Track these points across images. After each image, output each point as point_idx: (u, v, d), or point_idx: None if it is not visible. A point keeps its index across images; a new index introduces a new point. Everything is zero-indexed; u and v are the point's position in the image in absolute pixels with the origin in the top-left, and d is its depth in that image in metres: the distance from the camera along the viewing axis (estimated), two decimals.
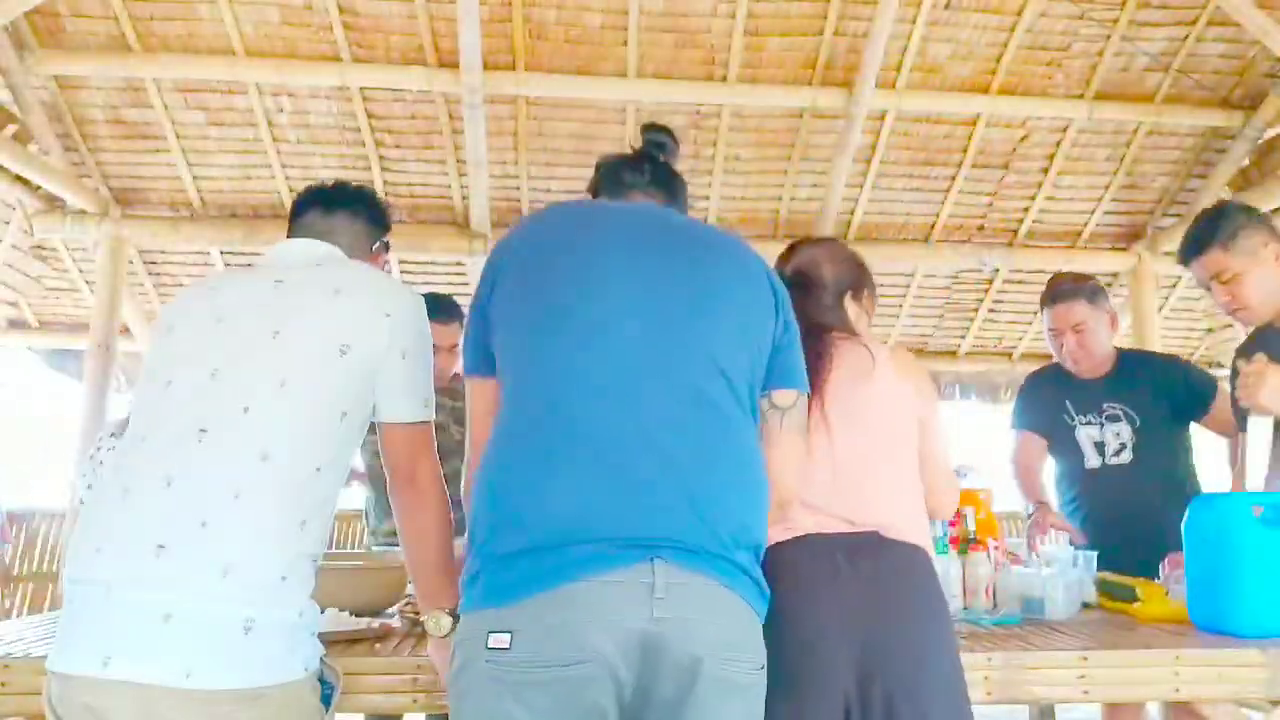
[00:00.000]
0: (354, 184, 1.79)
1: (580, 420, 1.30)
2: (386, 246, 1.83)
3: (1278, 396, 1.94)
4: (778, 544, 1.54)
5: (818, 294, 1.78)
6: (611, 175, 1.65)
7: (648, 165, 1.65)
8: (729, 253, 1.49)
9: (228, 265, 5.90)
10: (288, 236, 1.71)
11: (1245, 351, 2.15)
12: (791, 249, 1.89)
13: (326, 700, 1.43)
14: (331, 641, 1.67)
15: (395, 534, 1.62)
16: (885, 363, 1.70)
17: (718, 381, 1.36)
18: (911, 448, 1.70)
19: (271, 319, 1.48)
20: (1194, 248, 2.27)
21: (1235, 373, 2.07)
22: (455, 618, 1.43)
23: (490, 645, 1.22)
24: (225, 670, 1.29)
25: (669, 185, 1.65)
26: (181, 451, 1.38)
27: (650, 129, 1.70)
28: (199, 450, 1.37)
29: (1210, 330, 6.94)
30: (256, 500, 1.36)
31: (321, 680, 1.43)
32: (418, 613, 1.66)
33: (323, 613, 1.76)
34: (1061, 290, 2.79)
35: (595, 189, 1.67)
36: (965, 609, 2.12)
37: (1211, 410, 2.66)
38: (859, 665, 1.47)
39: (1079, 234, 6.21)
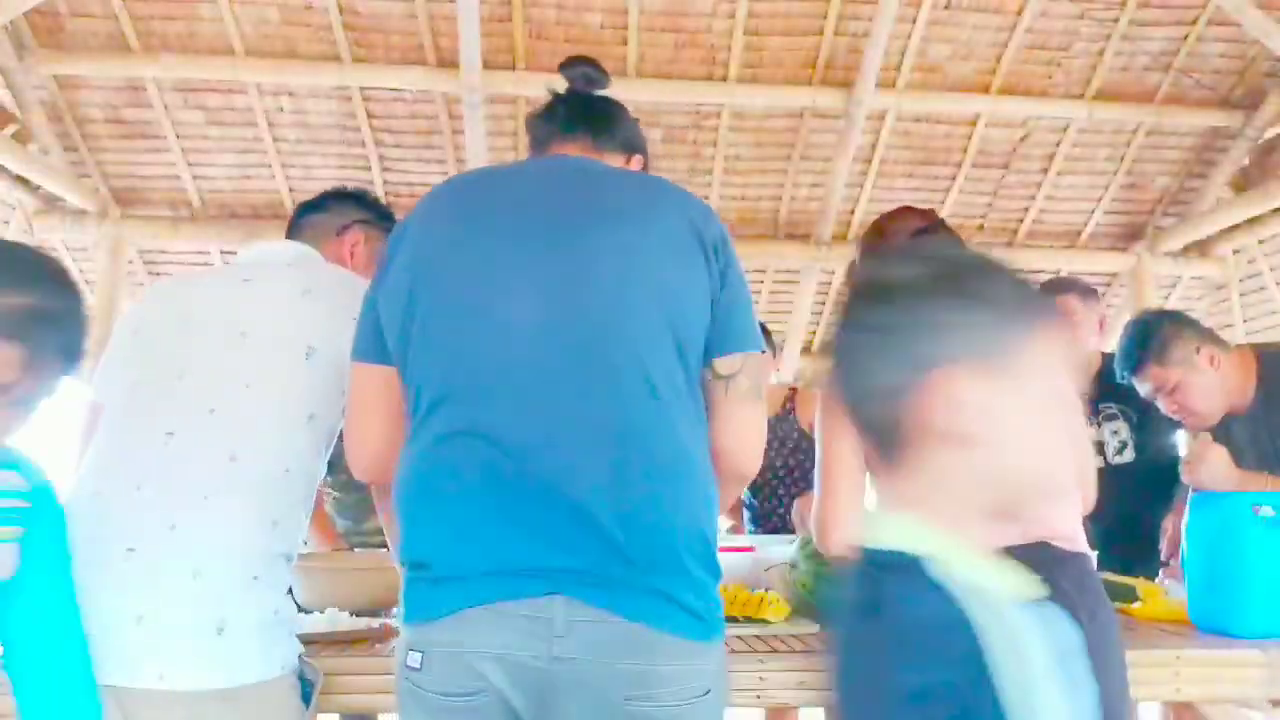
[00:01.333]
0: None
1: (484, 439, 1.19)
2: (366, 225, 1.77)
3: (1216, 476, 2.00)
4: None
5: None
6: (531, 132, 1.50)
7: (561, 108, 1.49)
8: (643, 211, 1.29)
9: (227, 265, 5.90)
10: None
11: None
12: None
13: (306, 698, 1.42)
14: (331, 641, 1.67)
15: (377, 532, 1.62)
16: None
17: (635, 372, 1.20)
18: None
19: (239, 320, 1.47)
20: (1129, 364, 2.34)
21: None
22: None
23: (408, 664, 1.21)
24: (199, 671, 1.29)
25: (595, 122, 1.48)
26: (149, 454, 1.37)
27: (567, 64, 1.52)
28: (167, 452, 1.37)
29: None
30: (225, 501, 1.35)
31: (301, 678, 1.43)
32: None
33: (323, 613, 1.77)
34: (1051, 283, 2.98)
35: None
36: None
37: None
38: None
39: (1079, 234, 6.20)
